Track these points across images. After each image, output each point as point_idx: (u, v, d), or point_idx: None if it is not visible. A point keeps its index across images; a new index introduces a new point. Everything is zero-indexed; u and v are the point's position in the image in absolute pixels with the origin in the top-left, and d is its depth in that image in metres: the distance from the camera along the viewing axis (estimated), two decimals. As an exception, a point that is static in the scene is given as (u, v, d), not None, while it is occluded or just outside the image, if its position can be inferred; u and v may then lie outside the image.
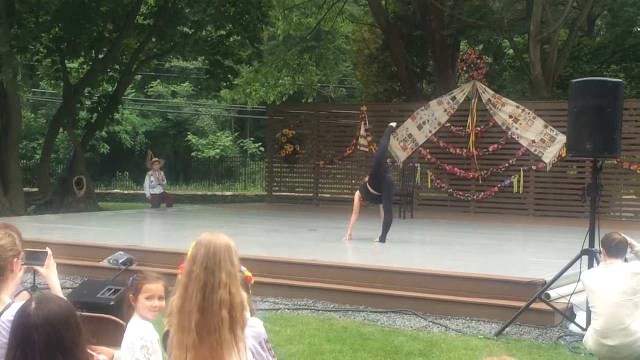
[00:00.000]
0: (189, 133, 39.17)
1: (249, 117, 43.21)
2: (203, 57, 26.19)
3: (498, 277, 9.48)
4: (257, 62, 26.22)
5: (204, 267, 3.47)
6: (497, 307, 8.97)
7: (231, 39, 24.26)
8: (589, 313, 7.47)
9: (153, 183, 20.86)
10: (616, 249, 7.17)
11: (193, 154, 38.24)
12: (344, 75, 37.22)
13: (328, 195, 22.71)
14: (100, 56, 22.48)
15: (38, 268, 4.55)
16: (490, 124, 19.42)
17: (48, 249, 4.55)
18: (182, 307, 3.46)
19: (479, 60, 19.75)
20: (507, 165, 19.25)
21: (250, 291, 4.27)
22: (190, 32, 22.78)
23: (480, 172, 19.47)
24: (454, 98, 19.89)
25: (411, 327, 8.72)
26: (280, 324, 8.51)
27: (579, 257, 8.23)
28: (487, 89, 19.75)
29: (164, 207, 21.00)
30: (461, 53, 23.42)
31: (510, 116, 19.11)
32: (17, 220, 14.54)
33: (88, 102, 24.59)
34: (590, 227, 8.22)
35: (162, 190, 21.22)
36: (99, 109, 23.30)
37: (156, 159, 21.42)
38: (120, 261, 11.00)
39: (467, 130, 19.57)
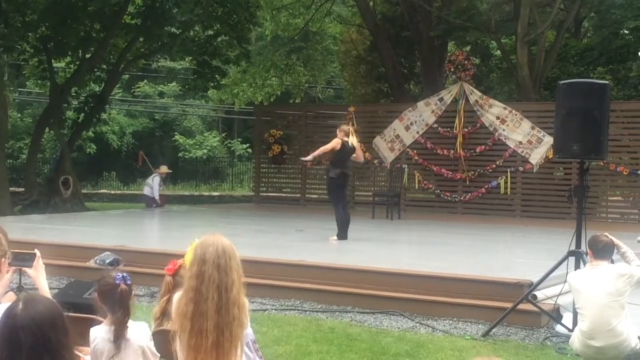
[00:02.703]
0: (176, 133, 39.12)
1: (236, 118, 43.17)
2: (191, 57, 26.17)
3: (485, 278, 9.49)
4: (245, 63, 26.25)
5: (217, 265, 3.47)
6: (484, 308, 8.99)
7: (219, 39, 24.26)
8: (575, 314, 7.50)
9: (162, 187, 21.39)
10: (603, 251, 7.19)
11: (180, 154, 38.19)
12: (331, 76, 37.24)
13: (315, 196, 22.69)
14: (87, 56, 22.43)
15: (26, 270, 4.52)
16: (478, 125, 19.46)
17: (36, 251, 4.53)
18: (196, 310, 3.44)
19: (466, 62, 19.79)
20: (494, 166, 19.30)
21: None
22: (178, 32, 22.74)
23: (468, 173, 19.51)
24: (441, 99, 19.93)
25: (398, 327, 8.73)
26: (267, 325, 8.50)
27: (565, 258, 8.25)
28: (474, 90, 19.80)
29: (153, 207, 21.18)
30: (449, 54, 23.48)
31: (498, 117, 19.16)
32: (3, 220, 14.47)
33: (75, 102, 24.55)
34: (577, 229, 8.25)
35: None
36: (86, 108, 23.25)
37: (166, 166, 22.20)
38: (107, 262, 10.99)
39: (454, 131, 19.61)
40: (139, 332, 4.38)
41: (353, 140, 13.11)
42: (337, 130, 13.37)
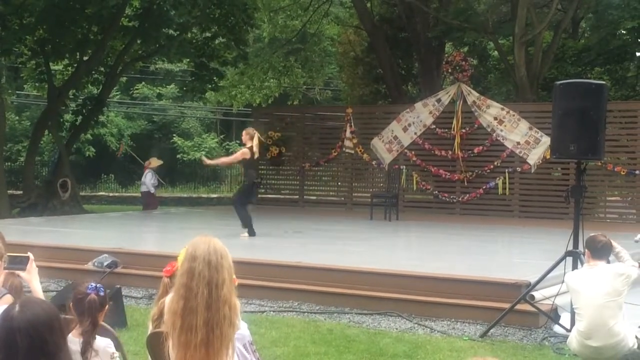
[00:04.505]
0: (174, 135, 39.10)
1: (234, 120, 43.16)
2: (188, 59, 26.15)
3: (483, 278, 9.50)
4: (243, 64, 26.22)
5: (207, 262, 3.47)
6: (482, 308, 9.00)
7: (217, 41, 24.24)
8: (573, 314, 7.50)
9: (154, 182, 21.38)
10: (601, 251, 7.20)
11: (179, 156, 38.16)
12: (329, 78, 37.24)
13: (314, 198, 22.71)
14: (85, 58, 22.42)
15: (20, 273, 4.53)
16: (476, 126, 19.47)
17: (30, 254, 4.54)
18: (186, 306, 3.44)
19: (464, 63, 19.80)
20: (492, 167, 19.30)
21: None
22: (175, 34, 22.73)
23: (466, 174, 19.52)
24: (439, 100, 19.93)
25: (396, 328, 8.73)
26: (265, 326, 8.50)
27: (563, 258, 8.26)
28: (472, 91, 19.81)
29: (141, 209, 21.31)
30: (446, 55, 23.49)
31: (495, 118, 19.16)
32: (2, 223, 14.51)
33: (73, 105, 24.52)
34: (574, 229, 8.26)
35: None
36: (84, 111, 23.23)
37: (155, 158, 22.22)
38: (105, 264, 10.99)
39: (452, 132, 19.61)
40: (102, 346, 4.37)
41: (256, 142, 13.52)
42: (244, 133, 13.92)
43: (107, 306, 4.44)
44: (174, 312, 3.48)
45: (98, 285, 4.43)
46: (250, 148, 13.43)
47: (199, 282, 3.45)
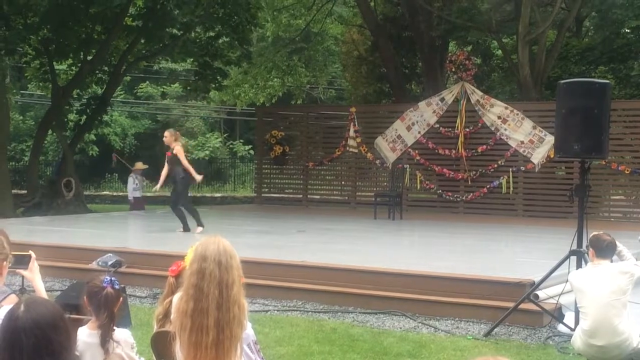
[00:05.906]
0: (178, 134, 39.08)
1: (238, 119, 43.19)
2: (192, 59, 26.18)
3: (487, 277, 9.49)
4: (246, 64, 26.24)
5: (217, 262, 3.47)
6: (486, 307, 8.99)
7: (220, 41, 24.27)
8: (577, 313, 7.50)
9: (137, 186, 21.10)
10: (606, 250, 7.19)
11: (182, 155, 38.12)
12: (333, 77, 37.27)
13: (317, 197, 22.70)
14: (89, 58, 22.44)
15: (22, 271, 4.54)
16: (479, 124, 19.46)
17: (31, 252, 4.55)
18: (196, 306, 3.44)
19: (467, 62, 19.79)
20: (496, 166, 19.29)
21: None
22: (179, 34, 22.76)
23: (469, 173, 19.51)
24: (442, 99, 19.93)
25: (400, 328, 8.73)
26: (269, 326, 8.51)
27: (567, 257, 8.26)
28: (475, 90, 19.80)
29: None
30: (450, 54, 23.47)
31: (499, 117, 19.15)
32: (6, 223, 14.50)
33: (77, 104, 24.55)
34: (578, 228, 8.25)
35: (142, 194, 21.57)
36: (88, 110, 23.25)
37: (140, 162, 21.96)
38: (110, 263, 11.00)
39: (456, 131, 19.61)
40: (122, 337, 4.39)
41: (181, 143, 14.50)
42: (168, 135, 14.71)
43: (121, 298, 4.48)
44: (184, 312, 3.48)
45: (113, 278, 4.47)
46: (183, 146, 14.13)
47: (210, 283, 3.45)
